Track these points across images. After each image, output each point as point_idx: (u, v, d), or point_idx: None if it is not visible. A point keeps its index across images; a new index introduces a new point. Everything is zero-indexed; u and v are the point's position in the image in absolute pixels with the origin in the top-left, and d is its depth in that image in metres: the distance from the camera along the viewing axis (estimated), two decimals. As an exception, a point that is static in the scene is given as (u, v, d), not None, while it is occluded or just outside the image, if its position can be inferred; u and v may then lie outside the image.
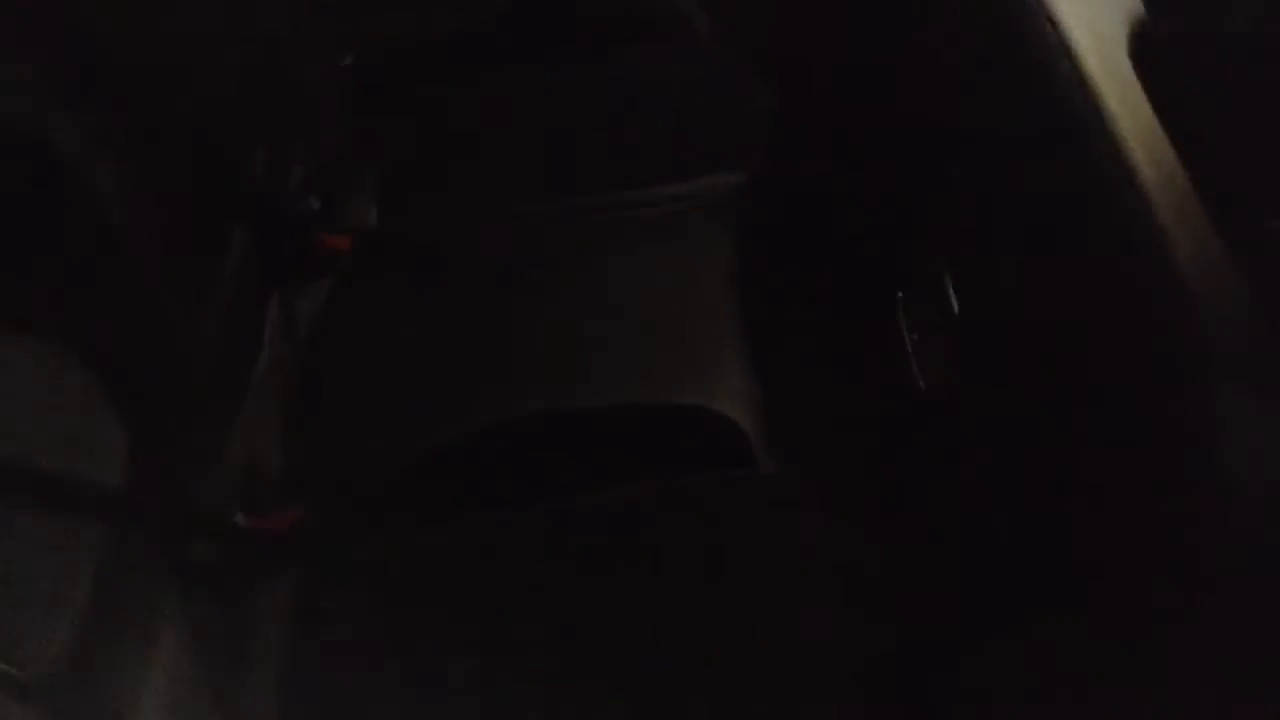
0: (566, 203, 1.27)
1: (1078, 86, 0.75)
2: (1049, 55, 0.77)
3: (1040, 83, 0.79)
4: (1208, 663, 0.68)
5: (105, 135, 0.91)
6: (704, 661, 0.92)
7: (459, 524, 1.01)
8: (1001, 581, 0.90)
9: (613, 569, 0.98)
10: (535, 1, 1.45)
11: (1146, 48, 0.77)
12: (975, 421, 0.98)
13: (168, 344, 0.96)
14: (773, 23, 1.33)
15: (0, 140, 0.82)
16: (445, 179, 1.34)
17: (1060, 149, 0.79)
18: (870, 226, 1.15)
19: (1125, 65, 0.76)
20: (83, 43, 0.92)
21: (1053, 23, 0.78)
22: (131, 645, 0.88)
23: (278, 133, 1.26)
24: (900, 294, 1.10)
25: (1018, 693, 0.85)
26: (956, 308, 0.98)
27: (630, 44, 1.43)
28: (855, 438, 1.06)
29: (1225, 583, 0.66)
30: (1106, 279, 0.75)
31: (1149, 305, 0.70)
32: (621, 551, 0.99)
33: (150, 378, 0.95)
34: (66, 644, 0.80)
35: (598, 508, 1.01)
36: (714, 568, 0.97)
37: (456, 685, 0.92)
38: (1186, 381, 0.67)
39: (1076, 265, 0.79)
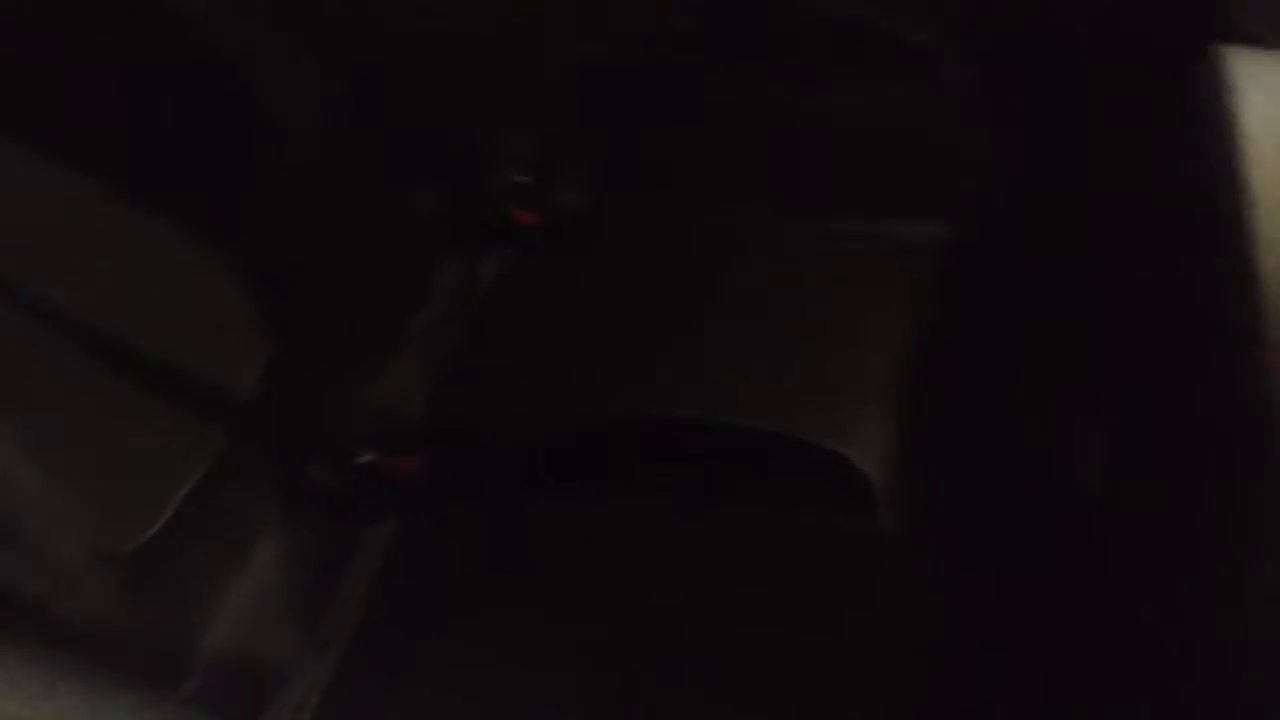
0: (761, 219, 1.26)
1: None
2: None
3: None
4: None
5: (309, 64, 0.96)
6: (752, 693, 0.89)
7: (566, 503, 1.01)
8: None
9: (700, 583, 0.96)
10: (790, 21, 1.45)
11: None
12: (1123, 534, 0.91)
13: (333, 274, 1.00)
14: (1042, 86, 1.29)
15: (208, 56, 0.88)
16: (653, 175, 1.34)
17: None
18: (1063, 314, 1.09)
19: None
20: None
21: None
22: (227, 545, 0.93)
23: (504, 104, 1.30)
24: (1074, 385, 1.03)
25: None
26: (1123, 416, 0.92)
27: (873, 78, 1.40)
28: (988, 517, 1.00)
29: None
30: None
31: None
32: (713, 568, 0.97)
33: (308, 303, 1.00)
34: (165, 528, 0.85)
35: (705, 521, 1.00)
36: (795, 605, 0.94)
37: (518, 654, 0.92)
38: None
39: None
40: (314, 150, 0.98)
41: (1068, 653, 0.87)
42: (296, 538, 0.97)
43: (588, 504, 1.02)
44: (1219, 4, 0.88)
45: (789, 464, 1.03)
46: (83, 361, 0.81)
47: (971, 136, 1.32)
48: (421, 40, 1.15)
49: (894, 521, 1.00)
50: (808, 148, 1.32)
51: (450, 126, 1.21)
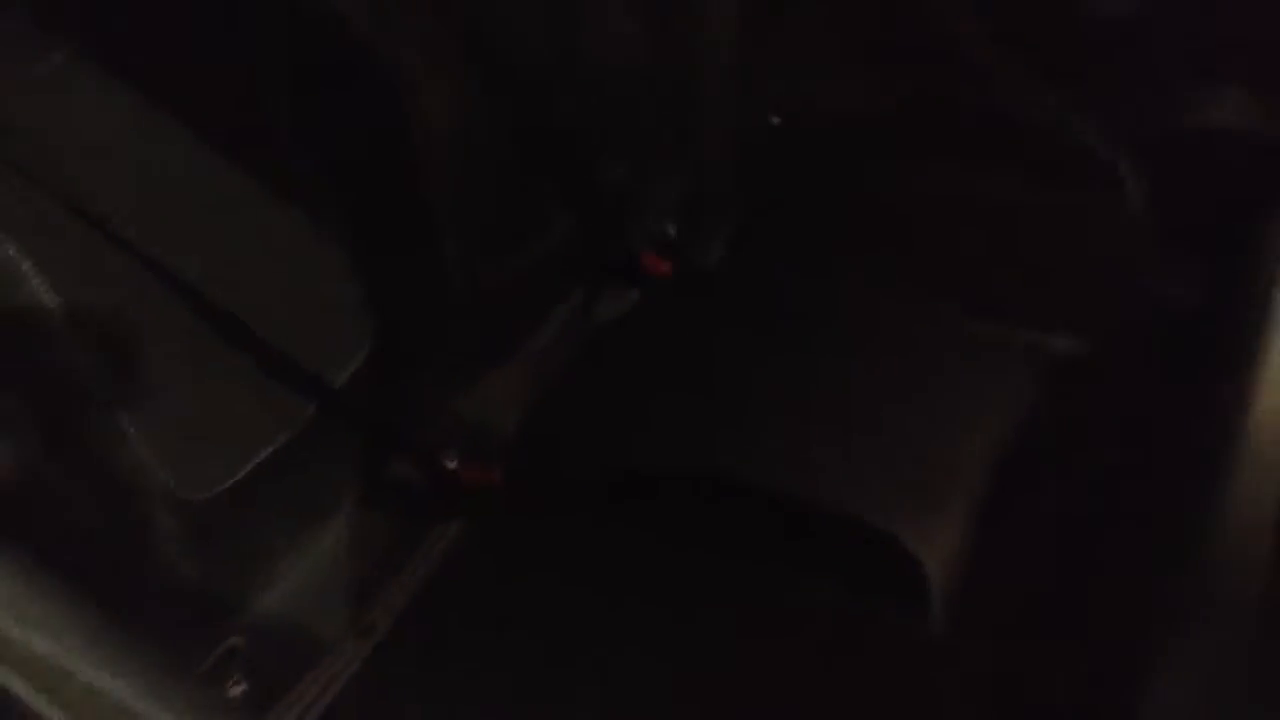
0: (887, 302, 1.25)
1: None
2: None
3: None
4: None
5: (469, 77, 1.02)
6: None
7: (626, 536, 1.02)
8: None
9: (738, 635, 0.96)
10: (980, 116, 1.45)
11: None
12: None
13: (454, 282, 1.05)
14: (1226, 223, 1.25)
15: (367, 56, 0.94)
16: (792, 243, 1.36)
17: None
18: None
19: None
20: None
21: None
22: (296, 516, 0.98)
23: (661, 151, 1.34)
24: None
25: None
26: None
27: (1053, 184, 1.39)
28: (1051, 645, 0.96)
29: None
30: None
31: None
32: (756, 626, 0.97)
33: (423, 304, 1.06)
34: (239, 486, 0.91)
35: (757, 579, 1.00)
36: (830, 685, 0.92)
37: (547, 670, 0.94)
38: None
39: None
40: (458, 159, 1.04)
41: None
42: (364, 523, 1.01)
43: (647, 541, 1.02)
44: None
45: (853, 545, 1.02)
46: (193, 320, 0.87)
47: (1136, 259, 1.29)
48: (598, 80, 1.20)
49: (948, 626, 0.96)
50: (959, 242, 1.32)
51: (604, 163, 1.25)
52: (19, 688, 0.65)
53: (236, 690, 0.92)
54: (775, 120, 1.55)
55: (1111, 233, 1.32)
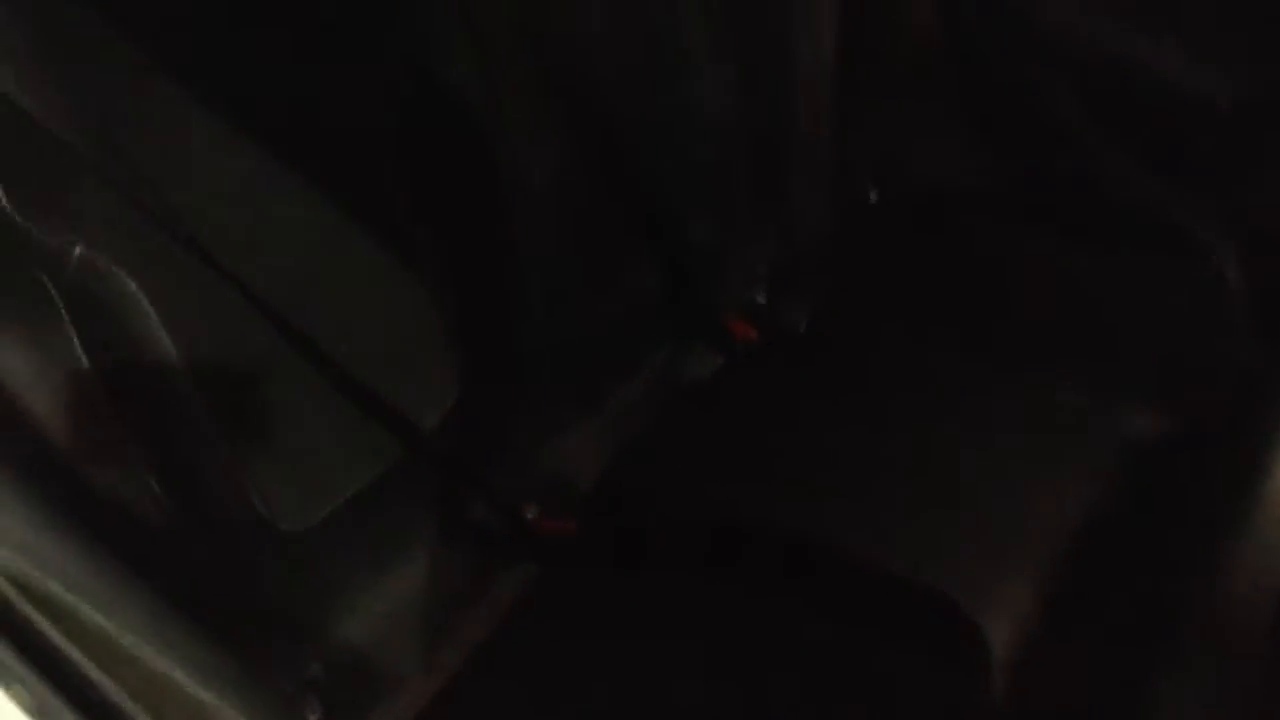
0: (982, 372, 1.25)
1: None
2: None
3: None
4: None
5: (559, 132, 1.06)
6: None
7: (698, 595, 1.04)
8: None
9: (805, 700, 0.97)
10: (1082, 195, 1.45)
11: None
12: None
13: (544, 333, 1.09)
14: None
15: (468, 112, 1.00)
16: (886, 314, 1.37)
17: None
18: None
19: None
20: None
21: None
22: (375, 552, 1.03)
23: (754, 217, 1.37)
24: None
25: None
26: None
27: (1135, 256, 1.39)
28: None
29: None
30: None
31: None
32: (818, 688, 0.97)
33: (513, 353, 1.10)
34: (326, 521, 0.96)
35: (818, 632, 1.01)
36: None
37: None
38: None
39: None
40: (552, 214, 1.08)
41: None
42: (441, 562, 1.05)
43: (717, 599, 1.04)
44: None
45: (916, 608, 1.02)
46: (290, 356, 0.92)
47: (1226, 333, 1.28)
48: (693, 142, 1.24)
49: (1008, 694, 0.96)
50: (1053, 313, 1.32)
51: (695, 225, 1.29)
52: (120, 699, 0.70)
53: (313, 718, 0.96)
54: (873, 196, 1.58)
55: (1201, 307, 1.31)
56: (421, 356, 1.01)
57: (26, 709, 0.67)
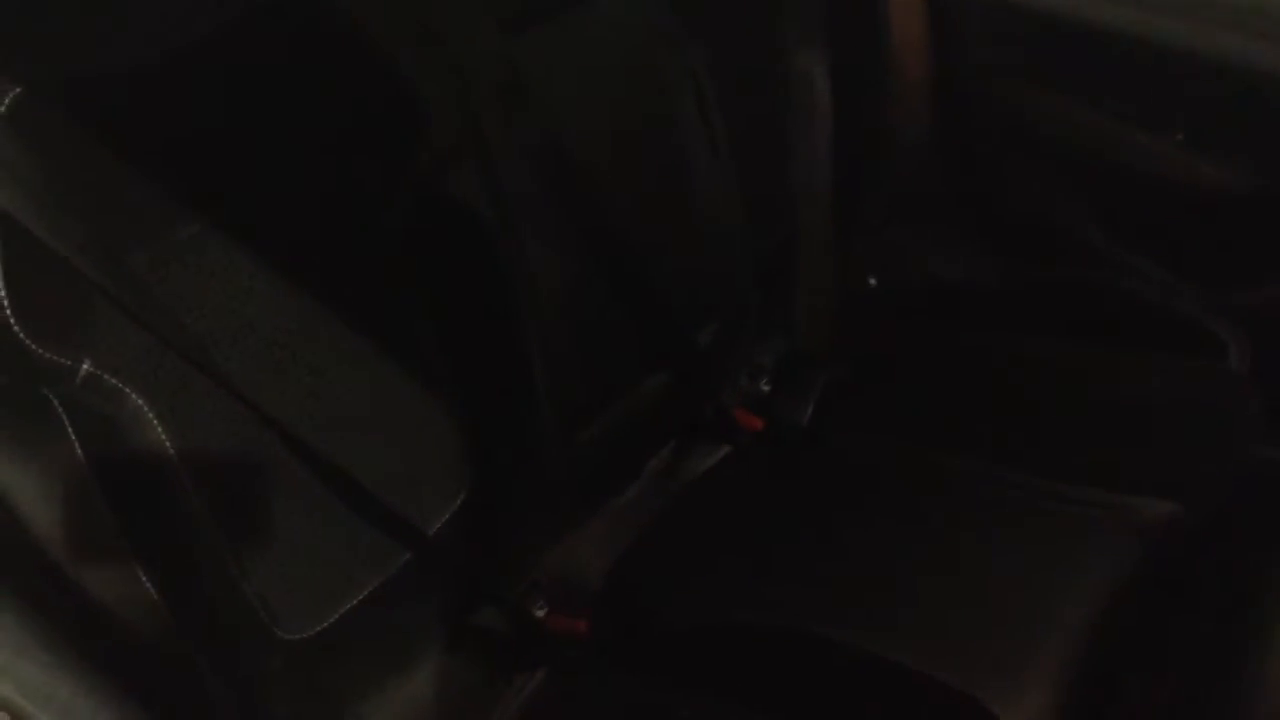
0: (991, 469, 1.25)
1: None
2: None
3: None
4: None
5: (567, 240, 1.08)
6: None
7: (711, 695, 1.03)
8: None
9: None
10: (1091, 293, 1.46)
11: None
12: None
13: (537, 429, 1.09)
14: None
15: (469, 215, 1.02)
16: (888, 408, 1.37)
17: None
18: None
19: None
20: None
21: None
22: (384, 658, 1.02)
23: (758, 312, 1.38)
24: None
25: None
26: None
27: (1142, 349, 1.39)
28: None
29: None
30: None
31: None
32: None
33: (518, 458, 1.10)
34: (332, 627, 0.95)
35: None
36: None
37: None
38: None
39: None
40: (557, 314, 1.09)
41: None
42: (450, 668, 1.04)
43: (729, 697, 1.03)
44: None
45: (935, 707, 1.01)
46: (295, 463, 0.92)
47: (1240, 424, 1.28)
48: (686, 237, 1.26)
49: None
50: (1058, 408, 1.31)
51: (699, 320, 1.30)
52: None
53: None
54: (872, 282, 1.59)
55: (1214, 398, 1.31)
56: (427, 460, 1.02)
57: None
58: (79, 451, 0.79)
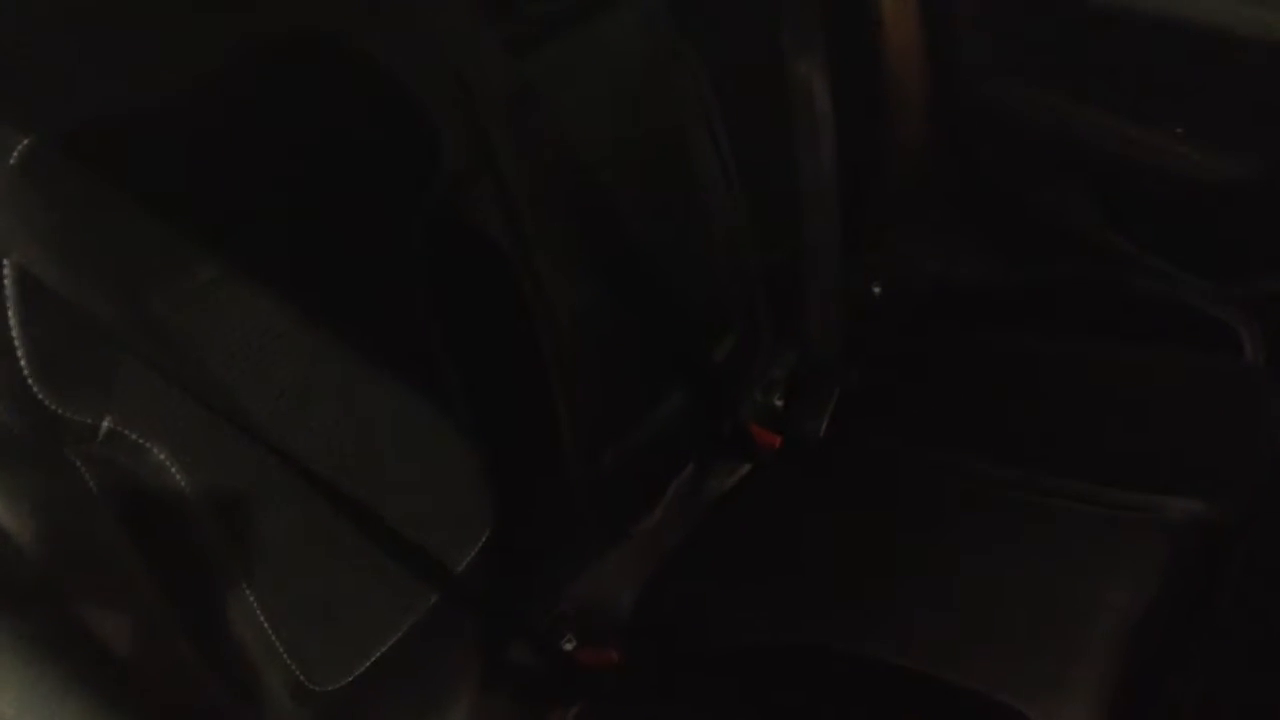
0: (1013, 474, 1.23)
1: None
2: None
3: None
4: None
5: (583, 263, 1.06)
6: None
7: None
8: None
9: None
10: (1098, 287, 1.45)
11: None
12: None
13: (560, 459, 1.07)
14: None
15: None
16: (905, 417, 1.35)
17: None
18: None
19: None
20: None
21: None
22: (418, 702, 0.99)
23: (770, 325, 1.36)
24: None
25: None
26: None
27: (1156, 345, 1.38)
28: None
29: None
30: None
31: None
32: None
33: (540, 490, 1.07)
34: (364, 675, 0.92)
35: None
36: None
37: None
38: None
39: None
40: (578, 346, 1.06)
41: None
42: (484, 709, 1.01)
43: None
44: None
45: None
46: (312, 506, 0.89)
47: (1259, 416, 1.27)
48: (697, 254, 1.24)
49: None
50: (1075, 410, 1.31)
51: (712, 338, 1.28)
52: None
53: None
54: (876, 289, 1.58)
55: (1232, 392, 1.31)
56: (452, 496, 0.99)
57: None
58: (103, 505, 0.76)
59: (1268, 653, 1.07)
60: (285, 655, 0.87)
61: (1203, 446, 1.23)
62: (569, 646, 1.10)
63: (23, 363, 0.70)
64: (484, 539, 1.01)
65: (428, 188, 0.94)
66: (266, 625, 0.86)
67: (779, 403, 1.39)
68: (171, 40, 0.80)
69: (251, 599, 0.84)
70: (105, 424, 0.75)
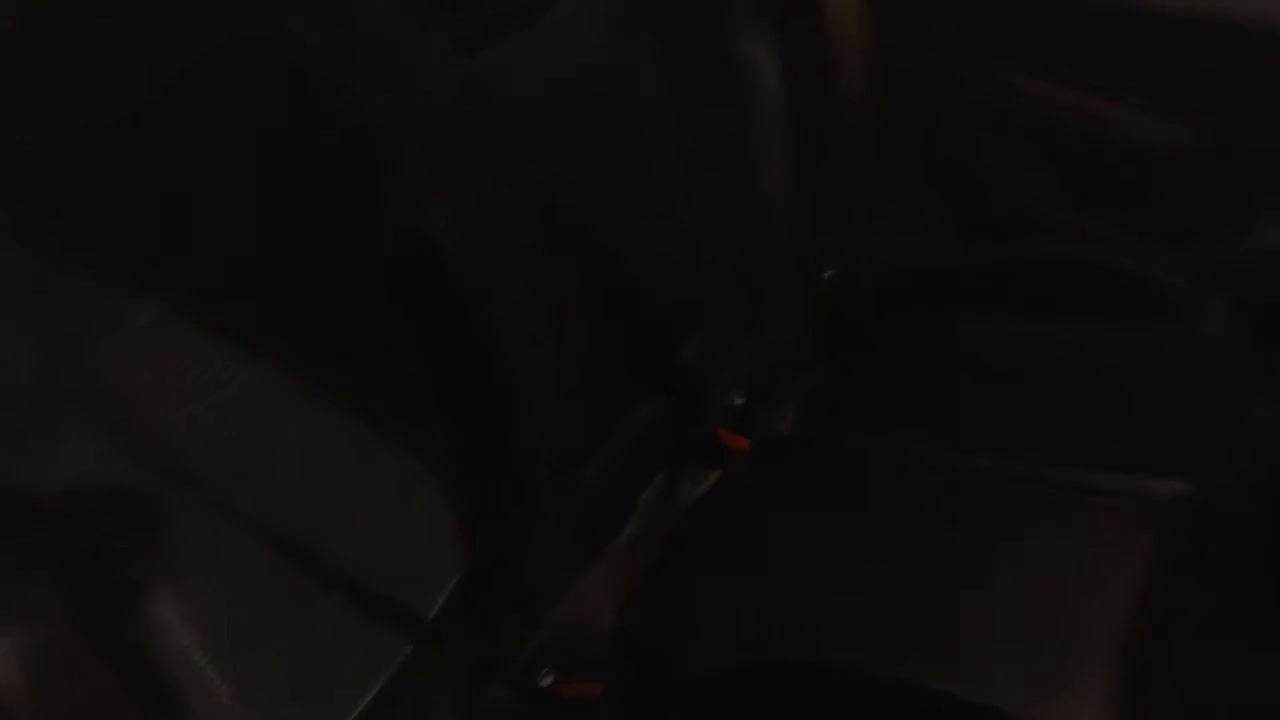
0: (989, 463, 1.20)
1: None
2: None
3: None
4: None
5: (545, 275, 0.99)
6: None
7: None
8: None
9: None
10: (1046, 262, 1.42)
11: None
12: None
13: (530, 487, 1.01)
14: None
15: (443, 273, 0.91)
16: (872, 407, 1.31)
17: None
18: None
19: None
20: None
21: None
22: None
23: (728, 323, 1.30)
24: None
25: None
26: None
27: (1117, 321, 1.35)
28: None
29: None
30: None
31: None
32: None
33: (508, 521, 1.01)
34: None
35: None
36: None
37: None
38: None
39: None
40: (531, 364, 1.00)
41: None
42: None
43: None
44: None
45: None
46: (274, 564, 0.83)
47: (1227, 386, 1.26)
48: (657, 254, 1.18)
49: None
50: (1041, 392, 1.28)
51: (675, 341, 1.22)
52: None
53: None
54: (828, 274, 1.53)
55: (1197, 364, 1.29)
56: (421, 544, 0.93)
57: None
58: (57, 592, 0.69)
59: (1265, 630, 1.05)
60: (259, 721, 0.80)
61: (1177, 423, 1.21)
62: (547, 681, 1.04)
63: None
64: (455, 581, 0.95)
65: (384, 207, 0.86)
66: (235, 700, 0.79)
67: (739, 401, 1.33)
68: (91, 63, 0.71)
69: (216, 674, 0.77)
70: (58, 499, 0.67)
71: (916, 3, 1.40)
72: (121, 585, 0.72)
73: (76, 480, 0.69)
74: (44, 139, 0.69)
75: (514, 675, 1.02)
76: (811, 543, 1.14)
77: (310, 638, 0.85)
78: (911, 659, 1.00)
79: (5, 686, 0.67)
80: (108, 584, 0.71)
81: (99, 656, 0.72)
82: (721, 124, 1.23)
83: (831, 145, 1.44)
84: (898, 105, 1.45)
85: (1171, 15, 1.24)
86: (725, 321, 1.28)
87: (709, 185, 1.20)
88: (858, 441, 1.26)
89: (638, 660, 1.08)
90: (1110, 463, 1.16)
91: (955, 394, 1.28)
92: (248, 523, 0.79)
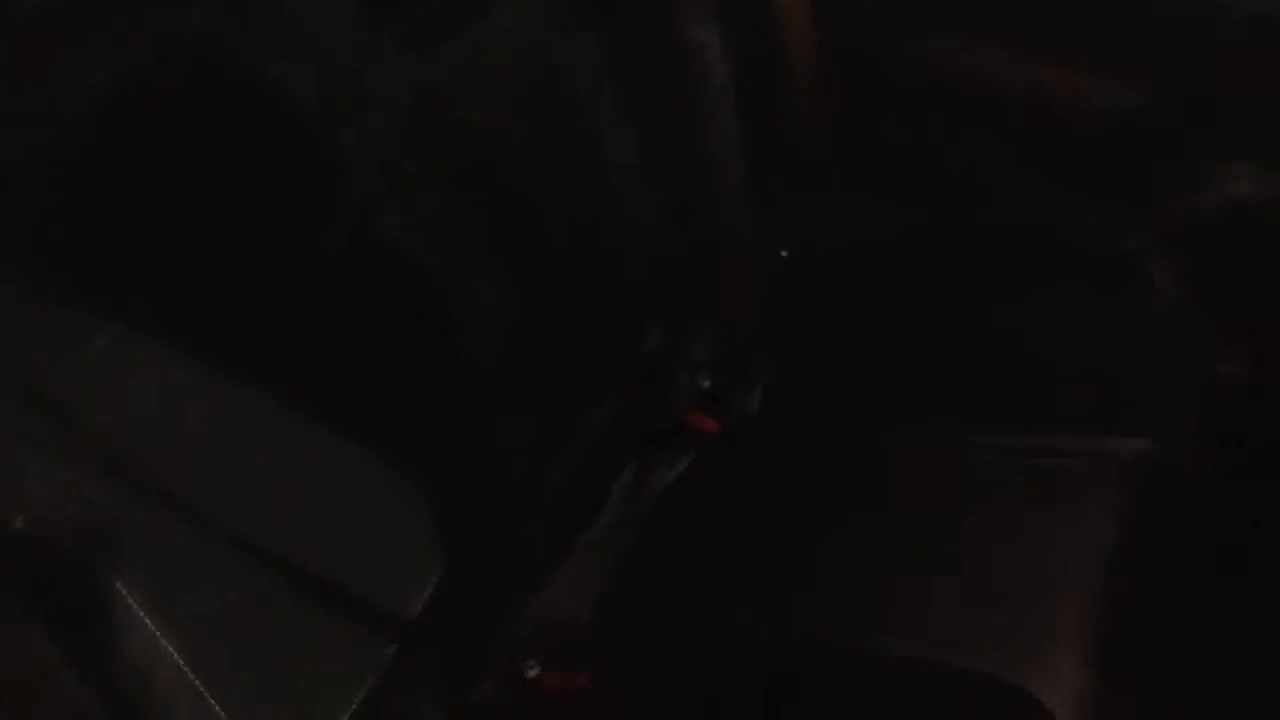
0: (947, 433, 1.21)
1: None
2: None
3: None
4: None
5: (504, 274, 0.99)
6: None
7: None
8: None
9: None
10: (993, 228, 1.43)
11: None
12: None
13: (504, 485, 1.01)
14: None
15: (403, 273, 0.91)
16: (836, 386, 1.32)
17: None
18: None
19: None
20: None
21: None
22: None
23: (690, 308, 1.30)
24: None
25: None
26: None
27: (1071, 284, 1.36)
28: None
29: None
30: None
31: None
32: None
33: (484, 519, 1.01)
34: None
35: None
36: None
37: None
38: None
39: None
40: (497, 363, 1.00)
41: None
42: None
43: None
44: None
45: (968, 702, 0.97)
46: (254, 576, 0.82)
47: (1181, 348, 1.27)
48: (615, 245, 1.18)
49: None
50: (1002, 359, 1.29)
51: (637, 330, 1.22)
52: None
53: None
54: (783, 254, 1.53)
55: (1155, 323, 1.30)
56: (397, 548, 0.92)
57: None
58: (22, 614, 0.68)
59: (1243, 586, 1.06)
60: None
61: (1137, 383, 1.22)
62: (533, 674, 1.04)
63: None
64: (435, 580, 0.94)
65: (335, 215, 0.85)
66: (214, 708, 0.78)
67: (705, 384, 1.33)
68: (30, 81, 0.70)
69: (200, 687, 0.76)
70: (18, 523, 0.66)
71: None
72: (101, 595, 0.71)
73: (49, 491, 0.68)
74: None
75: (500, 669, 1.02)
76: (783, 523, 1.14)
77: (293, 645, 0.83)
78: (888, 632, 1.01)
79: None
80: (86, 594, 0.70)
81: (78, 667, 0.71)
82: (671, 110, 1.23)
83: (781, 125, 1.45)
84: (845, 81, 1.45)
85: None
86: (687, 307, 1.29)
87: (662, 172, 1.20)
88: (824, 419, 1.27)
89: (622, 650, 1.08)
90: (1074, 425, 1.18)
91: (917, 364, 1.29)
92: (224, 533, 0.78)
